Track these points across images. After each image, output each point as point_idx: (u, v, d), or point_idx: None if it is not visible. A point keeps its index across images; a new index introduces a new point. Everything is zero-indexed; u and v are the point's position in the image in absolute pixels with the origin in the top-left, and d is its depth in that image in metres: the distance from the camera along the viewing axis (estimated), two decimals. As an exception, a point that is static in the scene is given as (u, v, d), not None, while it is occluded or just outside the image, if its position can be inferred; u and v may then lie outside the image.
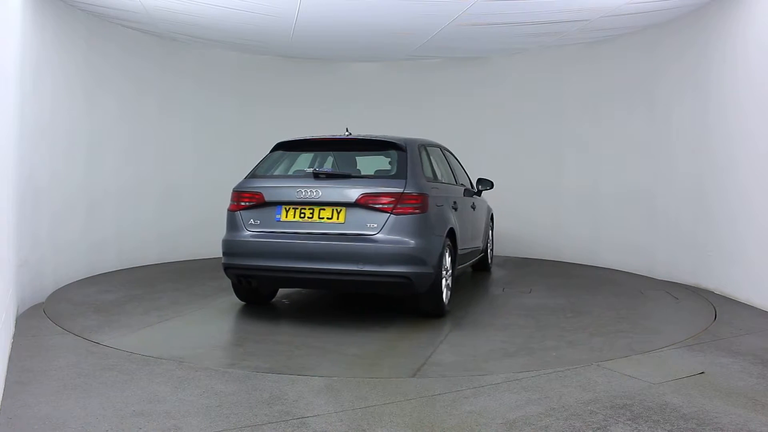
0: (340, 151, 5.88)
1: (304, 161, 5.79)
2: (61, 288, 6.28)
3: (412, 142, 5.48)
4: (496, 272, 7.94)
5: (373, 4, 6.47)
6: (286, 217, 5.08)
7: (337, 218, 4.95)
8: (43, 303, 5.64)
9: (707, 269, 6.66)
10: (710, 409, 3.28)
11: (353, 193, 4.94)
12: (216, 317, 5.47)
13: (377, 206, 4.87)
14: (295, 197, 5.05)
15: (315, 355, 4.27)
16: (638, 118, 7.66)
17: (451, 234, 5.48)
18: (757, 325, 5.15)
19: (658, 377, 3.77)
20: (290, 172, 5.56)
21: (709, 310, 5.69)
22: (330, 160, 5.97)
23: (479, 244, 7.07)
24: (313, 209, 5.02)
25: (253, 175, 5.49)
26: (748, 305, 5.87)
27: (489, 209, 7.88)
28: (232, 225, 5.27)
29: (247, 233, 5.16)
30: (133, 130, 7.71)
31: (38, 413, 3.14)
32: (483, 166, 7.84)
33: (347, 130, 5.80)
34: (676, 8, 6.64)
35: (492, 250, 8.15)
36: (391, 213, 4.86)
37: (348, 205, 4.93)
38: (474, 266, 7.61)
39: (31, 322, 4.99)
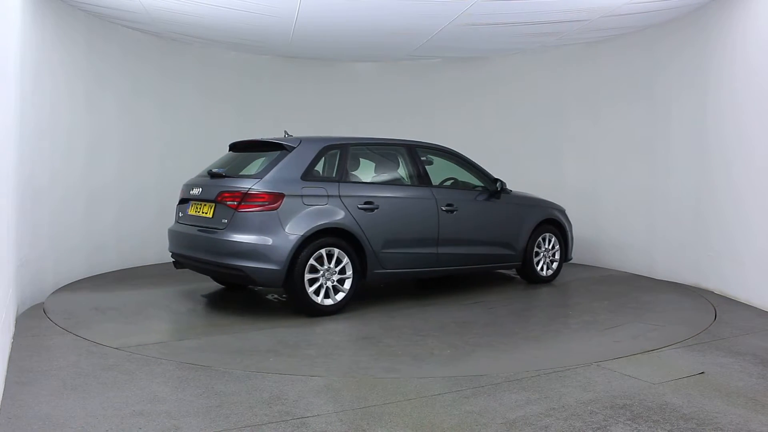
0: (268, 152, 5.87)
1: (233, 160, 5.96)
2: (61, 288, 6.29)
3: (311, 142, 5.64)
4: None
5: (372, 4, 6.47)
6: (190, 211, 5.72)
7: (210, 214, 5.43)
8: (43, 303, 5.64)
9: (707, 269, 6.66)
10: (710, 409, 3.28)
11: (216, 191, 5.39)
12: (164, 297, 6.13)
13: (228, 203, 5.24)
14: (189, 194, 5.74)
15: (123, 322, 5.06)
16: (638, 117, 7.65)
17: (343, 234, 5.41)
18: (757, 325, 5.15)
19: (658, 377, 3.78)
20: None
21: (709, 310, 5.70)
22: (256, 160, 6.02)
23: (490, 250, 6.55)
24: (201, 205, 5.58)
25: (198, 174, 6.05)
26: (748, 305, 5.88)
27: (543, 213, 7.03)
28: (175, 217, 6.06)
29: (174, 224, 6.02)
30: (132, 130, 7.69)
31: (38, 413, 3.14)
32: (482, 166, 7.81)
33: (286, 133, 6.05)
34: (675, 8, 6.64)
35: (553, 261, 7.10)
36: (236, 210, 5.16)
37: (214, 202, 5.38)
38: (521, 276, 7.12)
39: (31, 322, 4.99)
